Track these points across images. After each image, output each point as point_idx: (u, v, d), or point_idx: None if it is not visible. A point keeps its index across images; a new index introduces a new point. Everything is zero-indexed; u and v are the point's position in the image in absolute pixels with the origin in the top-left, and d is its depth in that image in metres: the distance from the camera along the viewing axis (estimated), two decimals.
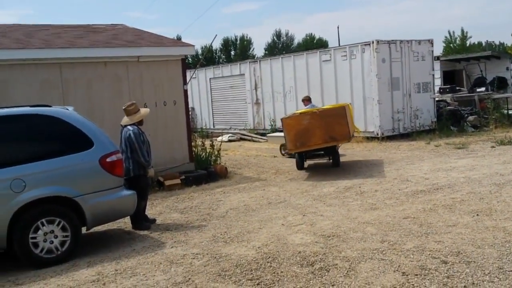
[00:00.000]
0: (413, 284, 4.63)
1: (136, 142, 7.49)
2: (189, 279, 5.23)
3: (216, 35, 23.88)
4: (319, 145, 11.32)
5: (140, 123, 7.83)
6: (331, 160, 12.28)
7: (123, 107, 7.85)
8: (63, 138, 6.55)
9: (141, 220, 7.63)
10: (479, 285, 4.50)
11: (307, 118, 11.18)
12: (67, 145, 6.49)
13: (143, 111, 8.03)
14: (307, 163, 12.62)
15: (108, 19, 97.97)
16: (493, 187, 8.17)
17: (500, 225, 6.14)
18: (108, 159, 6.53)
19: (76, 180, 6.33)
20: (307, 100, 13.63)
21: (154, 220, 7.93)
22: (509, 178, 8.76)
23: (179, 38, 50.80)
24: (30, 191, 6.00)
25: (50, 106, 6.89)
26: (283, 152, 14.97)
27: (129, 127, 7.64)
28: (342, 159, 12.61)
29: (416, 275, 4.83)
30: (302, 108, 13.34)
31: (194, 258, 5.90)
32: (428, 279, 4.72)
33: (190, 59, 46.34)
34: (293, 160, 13.39)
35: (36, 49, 10.10)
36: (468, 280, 4.62)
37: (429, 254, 5.35)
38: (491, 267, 4.87)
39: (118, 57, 10.86)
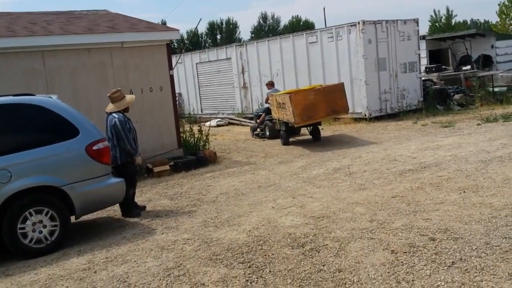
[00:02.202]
0: (402, 262, 4.68)
1: (122, 130, 7.41)
2: (181, 264, 5.24)
3: (201, 19, 23.89)
4: (322, 118, 13.06)
5: (125, 110, 7.75)
6: (311, 136, 13.57)
7: (108, 94, 7.76)
8: (48, 127, 6.48)
9: (130, 208, 7.60)
10: (467, 261, 4.56)
11: (313, 94, 12.47)
12: (52, 134, 6.43)
13: (129, 97, 7.93)
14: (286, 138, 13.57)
15: (91, 5, 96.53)
16: (480, 164, 8.25)
17: (487, 201, 6.22)
18: (94, 147, 6.48)
19: (63, 169, 6.28)
20: (270, 85, 15.08)
21: (144, 207, 7.91)
22: (495, 155, 8.85)
23: (164, 23, 50.22)
24: (17, 182, 5.95)
25: (33, 95, 6.81)
26: (252, 133, 15.85)
27: (114, 114, 7.55)
28: (330, 141, 12.80)
29: (405, 252, 4.89)
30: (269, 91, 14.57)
31: (185, 244, 5.91)
32: (416, 256, 4.77)
33: (175, 44, 45.91)
34: (279, 142, 13.44)
35: (18, 38, 9.94)
36: (456, 256, 4.68)
37: (417, 232, 5.40)
38: (478, 243, 4.93)
39: (101, 43, 10.73)
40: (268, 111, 14.56)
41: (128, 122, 7.58)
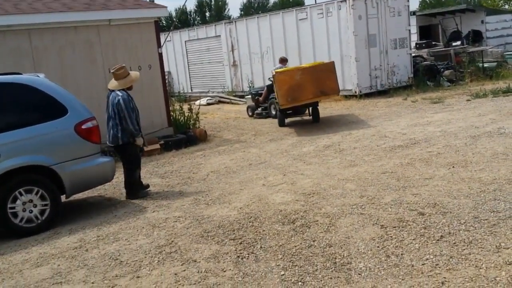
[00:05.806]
0: (391, 236, 4.74)
1: (125, 109, 7.03)
2: (172, 241, 5.26)
3: None
4: (309, 100, 11.64)
5: (129, 88, 7.34)
6: (310, 117, 12.63)
7: (112, 71, 7.34)
8: (36, 106, 6.42)
9: (137, 189, 7.35)
10: (455, 234, 4.62)
11: (299, 73, 11.41)
12: (40, 113, 6.36)
13: (134, 74, 7.45)
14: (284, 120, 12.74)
15: None
16: (469, 140, 8.31)
17: (475, 176, 6.28)
18: (83, 126, 6.45)
19: (52, 148, 6.25)
20: (284, 61, 13.82)
21: (147, 186, 7.67)
22: (484, 130, 8.91)
23: (151, 0, 49.53)
24: (5, 161, 5.91)
25: (20, 74, 6.72)
26: (250, 113, 15.20)
27: (118, 92, 7.13)
28: (320, 118, 12.72)
29: (394, 227, 4.94)
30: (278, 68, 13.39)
31: (176, 221, 5.93)
32: (405, 231, 4.83)
33: (163, 22, 45.28)
34: (270, 120, 13.41)
35: (4, 16, 9.74)
36: (444, 230, 4.74)
37: (407, 207, 5.46)
38: (467, 217, 4.99)
39: (88, 21, 10.57)
40: (271, 88, 13.32)
41: (131, 102, 7.20)
